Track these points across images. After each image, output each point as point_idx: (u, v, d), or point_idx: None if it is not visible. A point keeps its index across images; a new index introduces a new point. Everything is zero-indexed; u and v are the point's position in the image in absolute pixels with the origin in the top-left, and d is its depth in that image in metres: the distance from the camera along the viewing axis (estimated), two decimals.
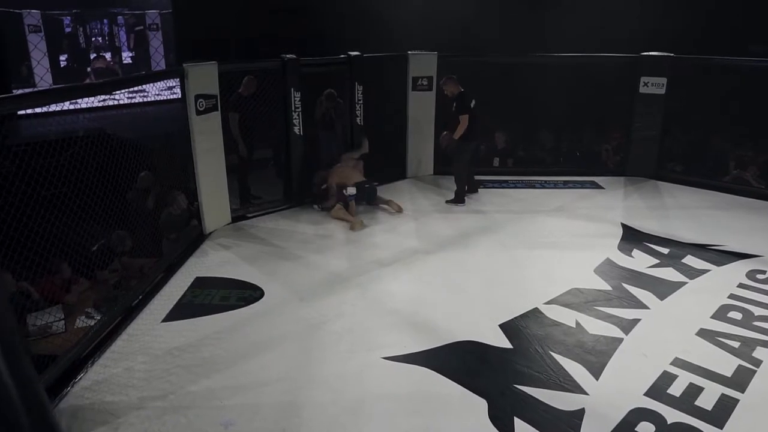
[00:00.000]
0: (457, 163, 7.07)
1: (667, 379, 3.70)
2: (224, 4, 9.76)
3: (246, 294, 4.84)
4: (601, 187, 7.77)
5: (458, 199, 7.04)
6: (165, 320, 4.44)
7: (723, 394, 3.54)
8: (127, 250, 5.39)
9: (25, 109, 6.66)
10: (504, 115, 8.66)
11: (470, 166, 7.19)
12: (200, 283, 5.05)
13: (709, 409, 3.42)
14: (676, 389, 3.60)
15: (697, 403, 3.47)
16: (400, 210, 6.76)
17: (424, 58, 7.79)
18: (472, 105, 6.78)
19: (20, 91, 9.58)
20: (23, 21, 12.17)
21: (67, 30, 14.86)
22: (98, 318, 4.42)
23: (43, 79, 12.00)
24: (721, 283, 5.01)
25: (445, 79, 6.99)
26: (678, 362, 3.86)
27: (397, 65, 7.76)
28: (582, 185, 7.86)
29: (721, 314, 4.48)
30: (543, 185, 7.88)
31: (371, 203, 6.88)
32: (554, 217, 6.66)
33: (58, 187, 4.29)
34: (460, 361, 3.89)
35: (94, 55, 14.81)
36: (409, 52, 7.73)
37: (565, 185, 7.86)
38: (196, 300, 4.76)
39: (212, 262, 5.48)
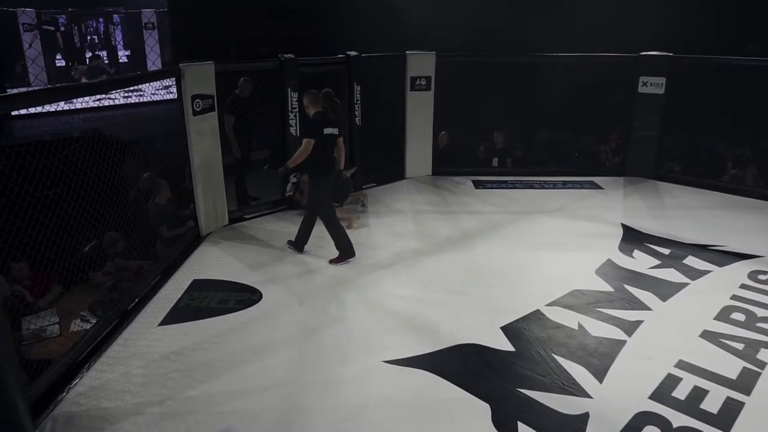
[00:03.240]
0: (311, 204, 5.54)
1: (671, 381, 3.66)
2: (221, 3, 9.69)
3: (244, 297, 4.78)
4: (601, 188, 7.74)
5: (297, 246, 5.65)
6: (162, 324, 4.38)
7: (728, 397, 3.50)
8: (119, 251, 5.30)
9: (19, 109, 6.58)
10: (503, 115, 8.62)
11: (330, 209, 5.54)
12: (198, 285, 4.99)
13: (715, 412, 3.38)
14: (681, 392, 3.56)
15: (702, 406, 3.43)
16: (364, 204, 6.85)
17: (423, 57, 7.74)
18: (326, 132, 5.26)
19: (15, 90, 9.49)
20: (18, 19, 12.05)
21: (61, 29, 14.70)
22: (94, 322, 4.35)
23: (38, 78, 11.89)
24: (723, 284, 4.99)
25: (306, 95, 5.50)
26: (682, 364, 3.83)
27: (396, 65, 7.70)
28: (581, 185, 7.82)
29: (724, 315, 4.45)
30: (542, 185, 7.84)
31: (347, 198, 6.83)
32: (554, 218, 6.62)
33: (51, 188, 4.22)
34: (462, 365, 3.85)
35: (90, 54, 14.68)
36: (408, 51, 7.68)
37: (564, 185, 7.83)
38: (193, 303, 4.69)
39: (210, 264, 5.42)
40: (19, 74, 12.05)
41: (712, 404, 3.45)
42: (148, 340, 4.15)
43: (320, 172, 5.35)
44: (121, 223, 5.15)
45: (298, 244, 5.64)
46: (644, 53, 7.74)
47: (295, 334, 4.23)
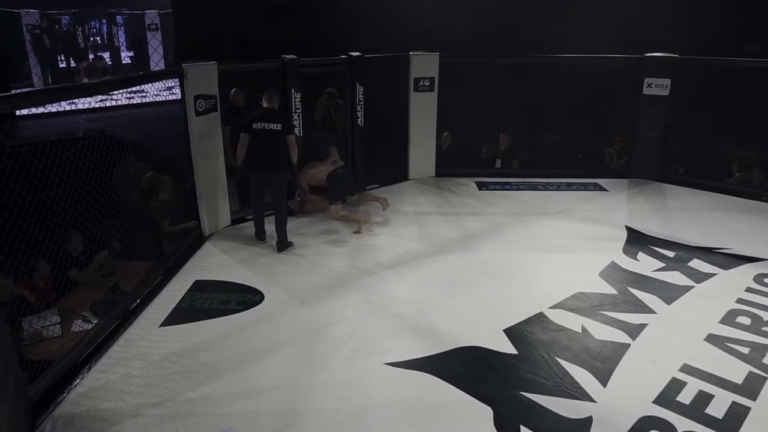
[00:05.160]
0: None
1: (676, 386, 3.62)
2: (224, 5, 9.69)
3: (246, 298, 4.76)
4: (605, 189, 7.70)
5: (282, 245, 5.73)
6: (163, 324, 4.36)
7: (734, 402, 3.47)
8: (80, 250, 5.28)
9: (22, 108, 6.60)
10: (507, 116, 8.58)
11: (259, 203, 5.85)
12: (199, 286, 4.97)
13: (720, 417, 3.35)
14: (685, 396, 3.53)
15: (707, 411, 3.40)
16: (386, 205, 6.65)
17: (426, 58, 7.71)
18: (255, 126, 5.49)
19: (18, 91, 9.50)
20: (21, 21, 12.10)
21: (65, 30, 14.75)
22: (95, 322, 4.34)
23: (41, 79, 11.94)
24: (728, 287, 4.94)
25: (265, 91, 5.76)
26: (687, 368, 3.79)
27: (399, 66, 7.68)
28: (585, 187, 7.78)
29: (729, 319, 4.41)
30: (546, 187, 7.80)
31: (352, 194, 6.67)
32: (558, 220, 6.58)
33: (53, 188, 4.22)
34: (464, 368, 3.82)
35: (92, 55, 14.73)
36: (411, 52, 7.66)
37: (569, 187, 7.79)
38: (195, 304, 4.68)
39: (212, 265, 5.40)
40: (26, 73, 12.10)
41: (717, 409, 3.41)
42: (149, 341, 4.13)
43: (250, 167, 5.64)
44: (123, 222, 5.15)
45: (260, 234, 5.92)
46: (649, 54, 7.70)
47: (296, 336, 4.21)
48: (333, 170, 6.49)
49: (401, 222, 6.51)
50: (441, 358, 3.93)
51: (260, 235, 5.91)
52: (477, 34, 9.08)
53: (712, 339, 4.15)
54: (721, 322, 4.37)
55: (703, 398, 3.51)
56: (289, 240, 5.76)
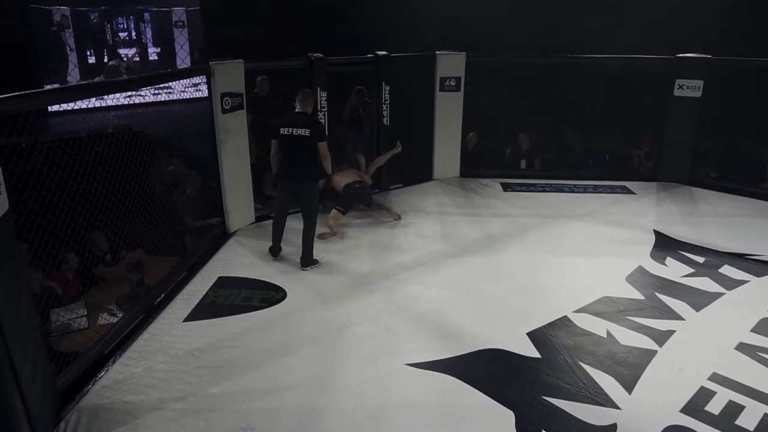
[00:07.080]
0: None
1: (704, 395, 3.53)
2: (252, 3, 9.76)
3: (268, 295, 4.78)
4: (633, 193, 7.56)
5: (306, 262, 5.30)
6: (187, 320, 4.41)
7: (766, 414, 3.36)
8: (105, 250, 5.35)
9: (52, 104, 6.72)
10: (532, 116, 8.48)
11: (281, 218, 5.43)
12: (223, 282, 5.01)
13: (752, 429, 3.25)
14: (714, 406, 3.43)
15: (737, 422, 3.31)
16: (398, 218, 6.46)
17: (452, 58, 7.66)
18: (282, 132, 5.07)
19: (50, 86, 9.69)
20: (53, 17, 12.34)
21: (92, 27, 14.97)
22: (120, 315, 4.40)
23: (71, 74, 12.15)
24: (760, 294, 4.81)
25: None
26: (716, 378, 3.69)
27: (425, 65, 7.65)
28: (612, 190, 7.65)
29: (762, 328, 4.28)
30: (572, 189, 7.69)
31: (368, 206, 6.56)
32: (584, 223, 6.48)
33: (82, 183, 4.29)
34: (486, 370, 3.78)
35: (127, 51, 14.95)
36: (437, 52, 7.62)
37: (595, 190, 7.67)
38: (218, 300, 4.71)
39: (235, 261, 5.43)
40: (56, 68, 12.31)
41: (748, 420, 3.32)
42: (172, 336, 4.17)
43: (278, 176, 5.28)
44: (149, 218, 5.21)
45: (275, 251, 5.48)
46: (681, 55, 7.54)
47: (318, 334, 4.21)
48: (351, 183, 6.35)
49: (425, 222, 6.47)
50: (463, 359, 3.89)
51: (275, 252, 5.47)
52: (514, 33, 8.96)
53: (743, 348, 4.03)
54: (753, 330, 4.25)
55: (734, 409, 3.41)
56: (314, 258, 5.32)
